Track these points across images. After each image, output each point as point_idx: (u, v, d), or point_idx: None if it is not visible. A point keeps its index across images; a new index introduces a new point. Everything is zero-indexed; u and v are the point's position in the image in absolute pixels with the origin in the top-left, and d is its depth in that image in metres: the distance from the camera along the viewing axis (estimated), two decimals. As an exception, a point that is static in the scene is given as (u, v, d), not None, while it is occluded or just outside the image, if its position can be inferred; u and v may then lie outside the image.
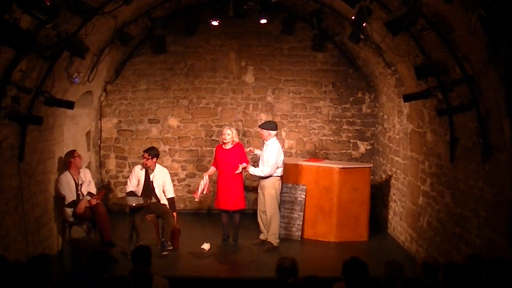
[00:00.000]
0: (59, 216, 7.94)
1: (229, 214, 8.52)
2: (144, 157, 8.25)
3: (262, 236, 8.55)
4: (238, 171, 8.30)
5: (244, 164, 8.34)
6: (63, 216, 7.90)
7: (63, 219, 7.91)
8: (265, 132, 8.32)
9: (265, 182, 8.33)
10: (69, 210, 7.86)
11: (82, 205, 7.83)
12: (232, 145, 8.40)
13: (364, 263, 4.46)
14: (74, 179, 7.95)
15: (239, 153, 8.41)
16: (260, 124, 8.86)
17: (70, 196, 7.85)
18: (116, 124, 10.55)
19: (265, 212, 8.38)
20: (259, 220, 8.56)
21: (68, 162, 8.01)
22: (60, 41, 6.28)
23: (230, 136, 8.36)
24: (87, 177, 8.21)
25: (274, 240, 8.39)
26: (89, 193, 8.10)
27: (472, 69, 5.73)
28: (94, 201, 7.95)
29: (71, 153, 8.12)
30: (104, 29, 7.57)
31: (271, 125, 8.41)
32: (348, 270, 4.42)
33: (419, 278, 4.42)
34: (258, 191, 8.56)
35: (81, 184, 8.02)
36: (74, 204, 7.85)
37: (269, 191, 8.31)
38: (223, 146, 8.45)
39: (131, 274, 4.27)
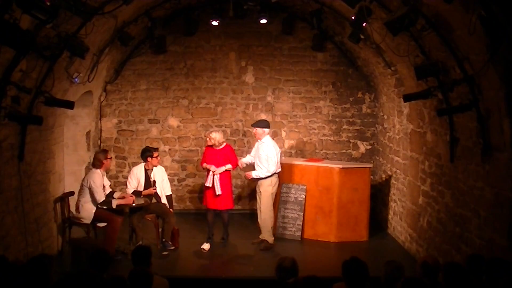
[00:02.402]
0: (62, 215, 7.92)
1: (215, 214, 8.51)
2: (155, 157, 8.27)
3: (261, 236, 8.54)
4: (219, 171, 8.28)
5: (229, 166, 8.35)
6: (78, 219, 7.84)
7: (64, 218, 7.91)
8: (259, 130, 8.35)
9: (262, 180, 8.34)
10: (91, 209, 7.74)
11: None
12: (221, 146, 8.39)
13: (364, 263, 4.46)
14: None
15: (228, 154, 8.42)
16: (253, 123, 8.88)
17: (101, 196, 7.74)
18: (116, 124, 10.55)
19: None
20: (259, 220, 8.56)
21: (100, 162, 7.85)
22: (60, 41, 6.28)
23: (212, 140, 8.31)
24: (106, 180, 8.13)
25: (269, 237, 8.37)
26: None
27: (472, 69, 5.73)
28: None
29: (105, 154, 8.00)
30: (104, 29, 7.57)
31: (264, 123, 8.47)
32: (348, 270, 4.42)
33: (419, 278, 4.42)
34: (256, 189, 8.58)
35: (104, 186, 7.94)
36: (106, 203, 7.76)
37: (266, 188, 8.31)
38: (214, 146, 8.43)
39: (131, 274, 4.27)
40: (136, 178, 8.28)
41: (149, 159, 8.25)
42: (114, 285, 4.01)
